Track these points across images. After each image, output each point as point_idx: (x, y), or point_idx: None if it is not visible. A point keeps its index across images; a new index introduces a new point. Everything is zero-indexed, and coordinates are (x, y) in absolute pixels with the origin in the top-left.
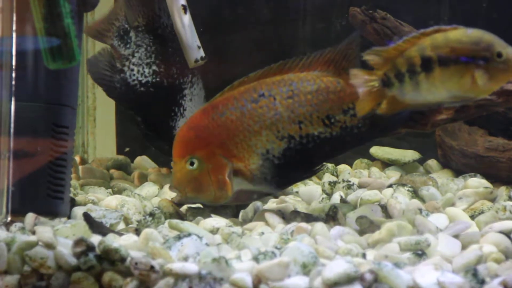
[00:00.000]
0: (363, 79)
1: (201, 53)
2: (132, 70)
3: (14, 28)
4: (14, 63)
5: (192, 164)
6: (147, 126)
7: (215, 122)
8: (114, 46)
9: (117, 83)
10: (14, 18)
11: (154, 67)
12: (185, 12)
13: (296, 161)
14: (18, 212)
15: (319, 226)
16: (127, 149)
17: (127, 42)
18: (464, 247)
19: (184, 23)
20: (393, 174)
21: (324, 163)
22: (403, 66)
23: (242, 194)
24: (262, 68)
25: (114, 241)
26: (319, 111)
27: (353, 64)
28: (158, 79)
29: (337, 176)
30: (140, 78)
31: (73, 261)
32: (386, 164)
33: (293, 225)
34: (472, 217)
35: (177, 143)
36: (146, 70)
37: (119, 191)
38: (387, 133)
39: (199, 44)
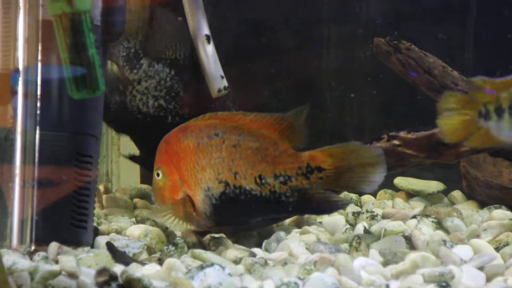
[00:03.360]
0: (458, 104)
1: (224, 82)
2: (134, 96)
3: (39, 57)
4: (39, 92)
5: (158, 174)
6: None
7: (178, 143)
8: (120, 65)
9: (111, 104)
10: (39, 48)
11: (161, 101)
12: (209, 42)
13: (230, 208)
14: (41, 241)
15: (342, 257)
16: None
17: (135, 67)
18: (488, 279)
19: (208, 53)
20: (417, 205)
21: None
22: (505, 102)
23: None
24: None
25: (137, 270)
26: (253, 168)
27: (298, 135)
28: (161, 114)
29: (361, 207)
30: (140, 107)
31: None
32: (410, 194)
33: (316, 256)
34: (497, 249)
35: (157, 151)
36: (150, 102)
37: (143, 221)
38: (317, 214)
39: (222, 74)
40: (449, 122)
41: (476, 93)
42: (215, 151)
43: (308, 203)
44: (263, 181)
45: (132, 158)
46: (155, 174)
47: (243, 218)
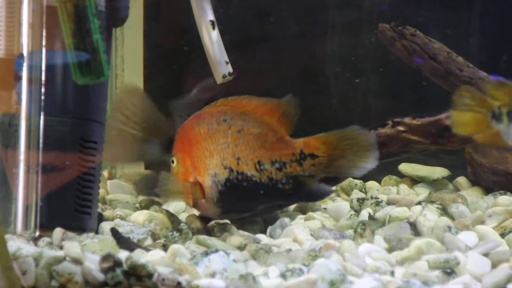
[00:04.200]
0: (474, 101)
1: (229, 68)
2: None
3: (43, 43)
4: (43, 77)
5: (173, 162)
6: None
7: (191, 130)
8: None
9: None
10: (44, 34)
11: None
12: (213, 28)
13: (234, 195)
14: (46, 227)
15: (347, 243)
16: None
17: None
18: (494, 265)
19: (212, 39)
20: (422, 191)
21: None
22: None
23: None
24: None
25: (141, 256)
26: (254, 154)
27: (292, 122)
28: None
29: (365, 193)
30: None
31: (100, 276)
32: (415, 181)
33: (321, 242)
34: (502, 235)
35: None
36: None
37: (147, 207)
38: (311, 201)
39: (227, 60)
40: (462, 116)
41: (492, 93)
42: (221, 137)
43: (301, 190)
44: (261, 167)
45: None
46: (171, 161)
47: (247, 205)
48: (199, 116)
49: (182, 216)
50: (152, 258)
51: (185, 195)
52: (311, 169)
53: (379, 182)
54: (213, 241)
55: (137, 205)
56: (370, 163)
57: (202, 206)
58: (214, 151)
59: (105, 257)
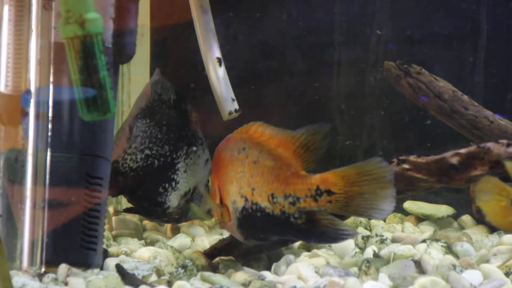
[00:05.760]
0: (494, 190)
1: (235, 105)
2: (125, 159)
3: (50, 79)
4: (50, 113)
5: (208, 181)
6: (137, 204)
7: (221, 153)
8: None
9: None
10: (51, 70)
11: (146, 151)
12: (220, 65)
13: (250, 223)
14: (51, 262)
15: (352, 280)
16: None
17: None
18: None
19: (219, 76)
20: (427, 229)
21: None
22: None
23: (230, 230)
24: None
25: None
26: (267, 186)
27: (312, 155)
28: (149, 162)
29: (370, 230)
30: (131, 165)
31: None
32: (420, 219)
33: (325, 279)
34: (507, 274)
35: None
36: (139, 156)
37: (152, 243)
38: (321, 242)
39: (233, 97)
40: (487, 205)
41: None
42: (240, 165)
43: (314, 227)
44: (274, 200)
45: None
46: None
47: (261, 235)
48: (228, 139)
49: (187, 253)
50: None
51: (215, 216)
52: (327, 205)
53: (384, 220)
54: (217, 277)
55: (142, 241)
56: (388, 203)
57: (229, 228)
58: (234, 178)
59: None
